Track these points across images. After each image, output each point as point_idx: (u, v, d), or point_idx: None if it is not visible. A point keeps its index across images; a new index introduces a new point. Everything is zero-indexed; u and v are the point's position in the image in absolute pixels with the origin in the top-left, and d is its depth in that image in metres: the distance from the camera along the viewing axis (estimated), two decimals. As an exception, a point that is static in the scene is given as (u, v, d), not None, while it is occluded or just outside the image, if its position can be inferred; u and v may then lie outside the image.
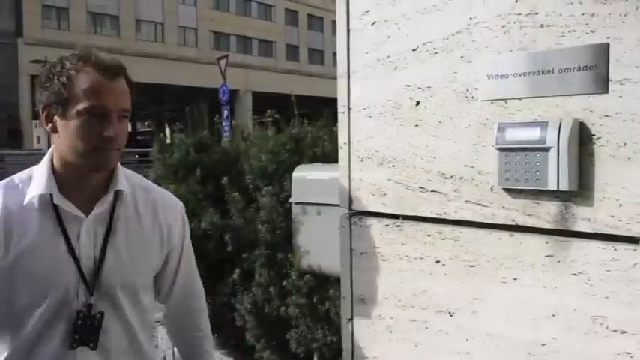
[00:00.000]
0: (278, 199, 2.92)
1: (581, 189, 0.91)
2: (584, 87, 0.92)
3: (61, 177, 1.19)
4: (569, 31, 0.94)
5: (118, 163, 1.23)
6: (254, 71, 30.98)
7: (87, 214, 1.18)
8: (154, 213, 1.30)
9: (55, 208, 1.16)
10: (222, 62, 13.07)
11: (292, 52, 36.02)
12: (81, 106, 1.11)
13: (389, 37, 1.20)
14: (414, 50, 1.15)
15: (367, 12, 1.24)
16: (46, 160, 1.21)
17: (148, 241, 1.28)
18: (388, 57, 1.20)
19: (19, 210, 1.15)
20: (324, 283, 2.61)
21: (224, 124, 11.88)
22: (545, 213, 0.96)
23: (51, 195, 1.16)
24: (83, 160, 1.14)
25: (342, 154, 1.29)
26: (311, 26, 37.01)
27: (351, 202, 1.28)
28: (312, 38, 36.85)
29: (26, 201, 1.16)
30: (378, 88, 1.22)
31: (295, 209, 2.79)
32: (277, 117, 4.45)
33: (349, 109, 1.28)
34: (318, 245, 2.65)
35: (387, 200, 1.20)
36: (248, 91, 30.00)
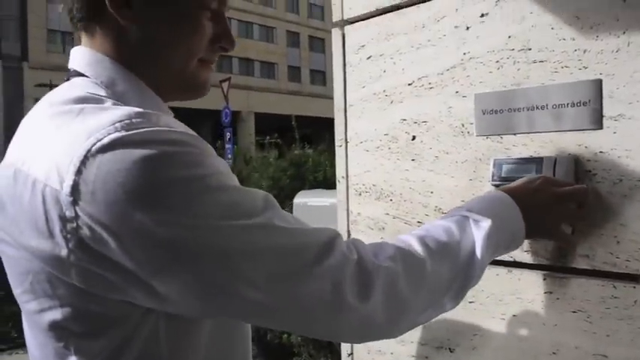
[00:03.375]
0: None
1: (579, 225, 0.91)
2: (579, 123, 0.92)
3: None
4: (562, 67, 0.95)
5: None
6: (256, 92, 31.21)
7: None
8: None
9: None
10: (225, 85, 13.17)
11: (294, 73, 36.31)
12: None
13: (384, 72, 1.20)
14: (409, 85, 1.16)
15: (363, 46, 1.25)
16: (128, 79, 0.78)
17: None
18: (384, 91, 1.20)
19: None
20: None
21: (227, 146, 11.95)
22: (543, 249, 0.95)
23: None
24: (176, 77, 0.81)
25: (340, 187, 1.29)
26: (312, 47, 37.38)
27: (349, 235, 1.27)
28: (313, 59, 37.18)
29: None
30: (374, 122, 1.22)
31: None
32: (279, 141, 4.48)
33: (346, 142, 1.28)
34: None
35: (386, 234, 1.19)
36: (250, 112, 30.18)
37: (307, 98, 33.84)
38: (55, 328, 0.71)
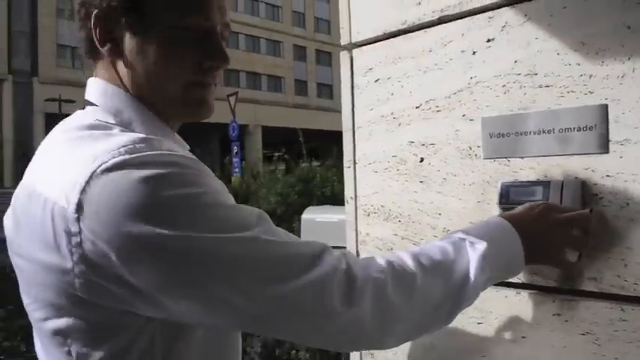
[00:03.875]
0: (287, 241, 2.95)
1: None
2: (585, 147, 0.93)
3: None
4: (568, 92, 0.96)
5: None
6: (263, 106, 31.36)
7: None
8: None
9: None
10: (232, 99, 13.26)
11: (301, 86, 36.50)
12: (169, 20, 0.79)
13: (392, 94, 1.22)
14: (417, 107, 1.18)
15: (370, 69, 1.27)
16: (129, 103, 0.82)
17: None
18: (392, 113, 1.22)
19: None
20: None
21: (234, 159, 12.00)
22: (552, 271, 0.96)
23: None
24: (170, 102, 0.84)
25: (349, 208, 1.31)
26: (319, 61, 37.58)
27: (358, 255, 1.28)
28: (320, 73, 37.38)
29: None
30: (382, 144, 1.24)
31: (305, 251, 2.83)
32: (286, 156, 4.50)
33: (355, 163, 1.30)
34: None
35: (394, 255, 1.20)
36: (258, 125, 30.33)
37: (314, 111, 33.96)
38: (58, 335, 0.76)
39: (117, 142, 0.72)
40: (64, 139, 0.79)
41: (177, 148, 0.77)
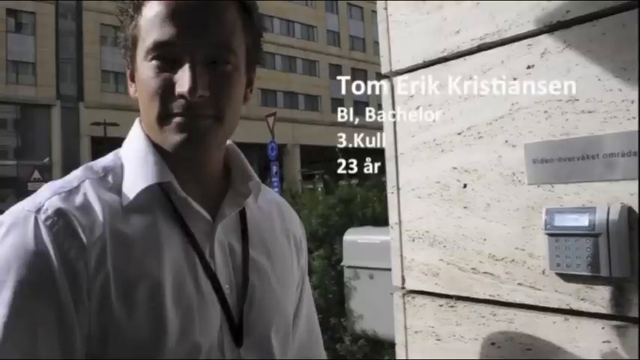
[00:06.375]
0: (329, 262, 2.97)
1: (634, 275, 0.92)
2: (630, 172, 0.93)
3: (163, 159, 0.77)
4: (610, 117, 0.97)
5: (229, 143, 0.85)
6: (301, 125, 31.64)
7: (212, 217, 0.78)
8: (280, 216, 0.92)
9: (174, 208, 0.76)
10: (271, 119, 13.43)
11: (337, 104, 36.68)
12: (143, 46, 0.73)
13: (434, 121, 1.25)
14: (458, 134, 1.20)
15: (411, 97, 1.30)
16: (137, 135, 0.79)
17: (286, 258, 0.90)
18: (434, 140, 1.25)
19: (112, 217, 0.72)
20: (379, 348, 2.60)
21: (273, 179, 12.13)
22: (600, 298, 0.96)
23: (160, 186, 0.75)
24: (155, 137, 0.76)
25: (393, 233, 1.33)
26: (355, 79, 37.69)
27: (403, 280, 1.30)
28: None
29: (126, 200, 0.74)
30: (425, 170, 1.26)
31: (347, 272, 2.85)
32: (326, 176, 4.54)
33: (398, 189, 1.33)
34: (371, 309, 2.68)
35: (440, 280, 1.22)
36: (296, 145, 30.58)
37: (350, 129, 34.00)
38: None
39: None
40: None
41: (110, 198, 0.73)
